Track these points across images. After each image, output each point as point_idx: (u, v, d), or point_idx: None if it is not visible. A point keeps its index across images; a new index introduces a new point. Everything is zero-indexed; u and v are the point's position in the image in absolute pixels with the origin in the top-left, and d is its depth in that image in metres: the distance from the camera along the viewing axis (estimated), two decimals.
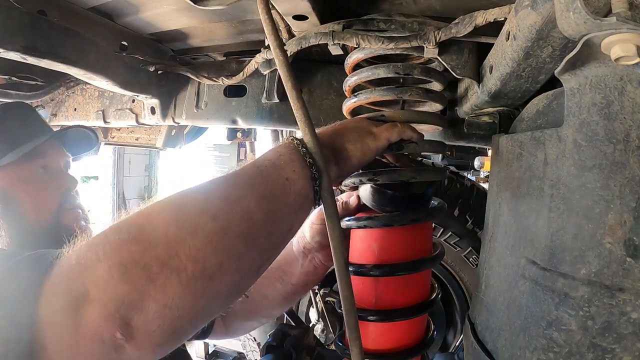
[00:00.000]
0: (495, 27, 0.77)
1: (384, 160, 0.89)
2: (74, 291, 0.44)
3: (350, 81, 0.95)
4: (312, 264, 0.96)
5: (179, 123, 1.57)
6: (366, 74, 0.92)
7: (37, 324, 0.43)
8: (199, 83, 1.46)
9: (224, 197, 0.52)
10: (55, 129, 1.19)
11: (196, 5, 0.72)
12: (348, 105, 0.98)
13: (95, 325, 0.44)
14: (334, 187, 0.67)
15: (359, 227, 0.84)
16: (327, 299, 1.92)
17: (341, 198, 0.90)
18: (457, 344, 2.01)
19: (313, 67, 1.31)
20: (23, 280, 0.46)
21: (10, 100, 1.50)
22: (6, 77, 1.47)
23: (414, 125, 0.83)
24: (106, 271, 0.45)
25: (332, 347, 1.74)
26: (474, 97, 0.95)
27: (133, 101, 1.64)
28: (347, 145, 0.66)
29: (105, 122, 1.71)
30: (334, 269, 0.64)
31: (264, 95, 1.31)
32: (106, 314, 0.44)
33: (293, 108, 0.61)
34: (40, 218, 0.96)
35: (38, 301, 0.44)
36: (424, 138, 0.82)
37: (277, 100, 1.29)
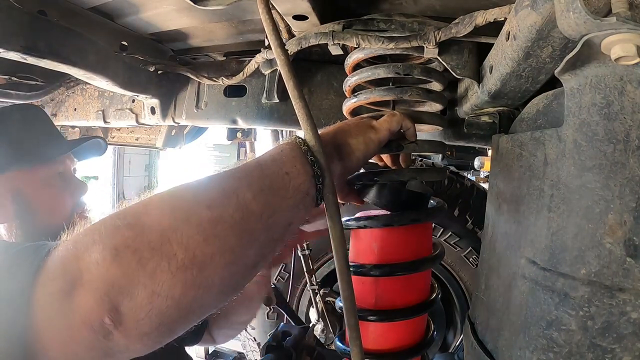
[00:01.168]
0: (495, 27, 0.77)
1: (380, 163, 0.89)
2: (69, 274, 0.45)
3: (350, 81, 0.95)
4: None
5: (179, 123, 1.57)
6: (366, 74, 0.92)
7: (32, 308, 0.43)
8: (199, 83, 1.46)
9: (221, 189, 0.53)
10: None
11: (196, 5, 0.72)
12: (348, 105, 0.98)
13: (86, 309, 0.44)
14: (339, 187, 0.67)
15: (359, 227, 0.84)
16: (327, 299, 1.92)
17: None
18: (457, 344, 2.01)
19: (313, 67, 1.31)
20: (21, 267, 0.46)
21: (11, 101, 1.50)
22: (6, 77, 1.47)
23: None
24: (100, 254, 0.45)
25: (332, 347, 1.74)
26: (474, 97, 0.95)
27: (133, 101, 1.63)
28: (350, 140, 0.66)
29: (105, 122, 1.71)
30: (334, 269, 0.64)
31: (264, 95, 1.31)
32: (97, 297, 0.44)
33: (295, 107, 0.61)
34: (52, 221, 0.97)
35: (34, 285, 0.44)
36: (424, 138, 0.82)
37: (277, 100, 1.29)
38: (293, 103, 0.61)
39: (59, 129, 1.17)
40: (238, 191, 0.52)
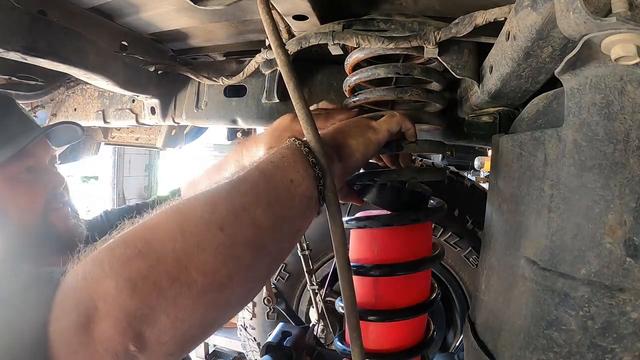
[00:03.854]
0: (495, 27, 0.77)
1: (380, 163, 0.89)
2: (83, 308, 0.45)
3: (350, 81, 0.96)
4: None
5: (179, 123, 1.57)
6: (366, 74, 0.92)
7: (49, 343, 0.44)
8: (199, 83, 1.46)
9: (230, 207, 0.52)
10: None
11: (196, 5, 0.72)
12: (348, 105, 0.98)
13: (108, 339, 0.44)
14: (340, 186, 0.67)
15: (359, 227, 0.84)
16: (327, 299, 1.92)
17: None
18: (457, 344, 2.01)
19: (313, 67, 1.31)
20: (32, 301, 0.46)
21: None
22: (6, 77, 1.46)
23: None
24: (114, 287, 0.45)
25: (332, 347, 1.74)
26: (474, 97, 0.95)
27: (133, 101, 1.64)
28: (349, 140, 0.66)
29: (105, 122, 1.71)
30: (334, 269, 0.64)
31: (264, 95, 1.31)
32: (119, 328, 0.44)
33: (295, 108, 0.61)
34: (25, 219, 0.93)
35: (48, 321, 0.44)
36: (424, 138, 0.82)
37: (277, 100, 1.29)
38: (293, 103, 0.61)
39: (27, 115, 1.04)
40: (247, 207, 0.52)
